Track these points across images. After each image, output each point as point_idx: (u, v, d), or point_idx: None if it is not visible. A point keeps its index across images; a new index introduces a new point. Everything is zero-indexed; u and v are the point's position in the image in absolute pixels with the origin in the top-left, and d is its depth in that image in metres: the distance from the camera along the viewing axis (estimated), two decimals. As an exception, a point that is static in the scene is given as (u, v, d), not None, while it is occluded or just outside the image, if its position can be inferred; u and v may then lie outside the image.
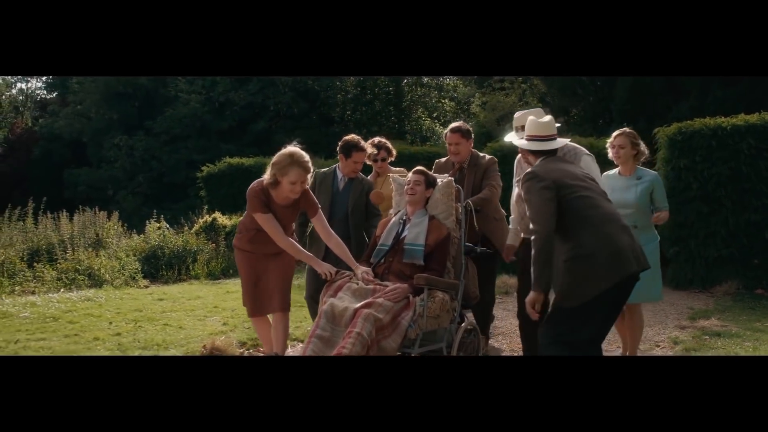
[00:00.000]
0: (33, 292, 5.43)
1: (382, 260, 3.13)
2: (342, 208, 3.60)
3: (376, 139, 3.92)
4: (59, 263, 6.07)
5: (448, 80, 19.00)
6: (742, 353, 3.52)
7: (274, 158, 3.01)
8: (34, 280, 5.66)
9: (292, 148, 3.02)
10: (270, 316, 3.21)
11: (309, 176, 3.03)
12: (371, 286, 2.90)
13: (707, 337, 3.97)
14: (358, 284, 2.92)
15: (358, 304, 2.74)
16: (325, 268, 3.01)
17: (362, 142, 3.65)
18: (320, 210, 3.18)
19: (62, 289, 5.65)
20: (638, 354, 3.51)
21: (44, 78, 27.21)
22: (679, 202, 6.15)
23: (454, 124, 3.76)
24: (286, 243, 3.02)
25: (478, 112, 15.04)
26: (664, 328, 4.38)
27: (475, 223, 3.30)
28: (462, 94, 18.63)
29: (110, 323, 4.40)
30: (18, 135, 20.56)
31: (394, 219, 3.30)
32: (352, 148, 3.59)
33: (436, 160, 3.91)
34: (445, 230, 3.17)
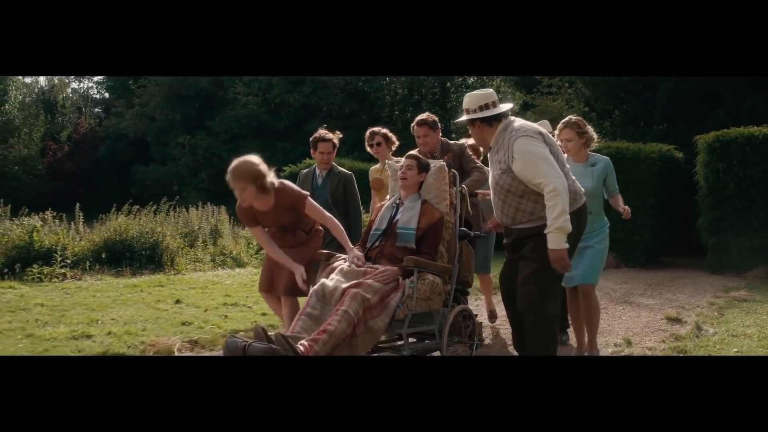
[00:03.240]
0: (199, 270, 7.16)
1: (376, 244, 3.22)
2: (322, 200, 3.79)
3: (376, 129, 4.13)
4: (207, 248, 7.82)
5: (489, 79, 20.32)
6: (761, 310, 4.99)
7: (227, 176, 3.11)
8: (195, 261, 7.39)
9: (236, 162, 3.07)
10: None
11: (251, 181, 3.05)
12: (363, 269, 3.01)
13: (736, 301, 5.44)
14: (350, 267, 3.03)
15: (347, 284, 2.86)
16: (300, 271, 3.13)
17: (328, 135, 3.92)
18: (308, 199, 3.25)
19: (218, 268, 7.38)
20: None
21: (96, 78, 29.48)
22: (717, 199, 7.55)
23: (420, 117, 3.86)
24: (274, 253, 3.23)
25: (517, 110, 16.53)
26: (703, 297, 5.85)
27: (469, 208, 3.38)
28: (504, 94, 19.97)
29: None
30: (82, 135, 22.67)
31: (387, 203, 3.37)
32: (316, 141, 3.91)
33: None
34: (438, 214, 3.22)
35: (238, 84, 19.26)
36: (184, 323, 4.17)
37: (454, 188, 3.34)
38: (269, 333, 2.61)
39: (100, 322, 4.09)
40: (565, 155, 3.33)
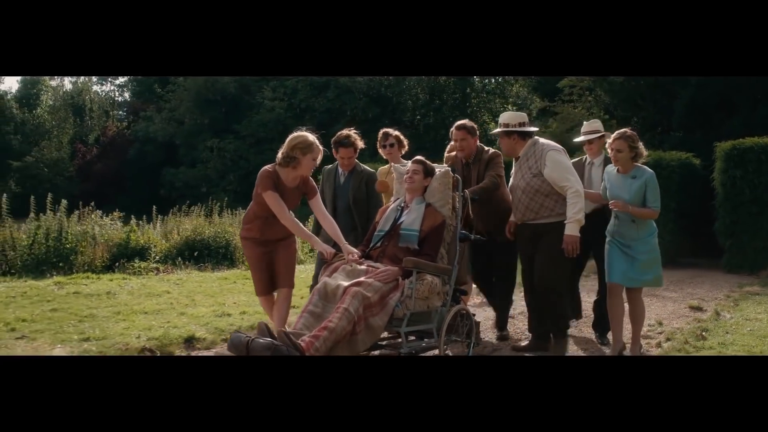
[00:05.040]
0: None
1: (378, 244, 3.39)
2: (344, 200, 3.90)
3: (390, 130, 4.20)
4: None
5: (508, 84, 21.16)
6: (772, 301, 5.89)
7: (296, 139, 3.34)
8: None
9: (307, 132, 3.40)
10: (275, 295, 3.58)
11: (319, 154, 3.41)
12: (364, 267, 3.17)
13: (750, 295, 6.33)
14: (352, 266, 3.19)
15: (349, 283, 3.00)
16: (323, 248, 3.34)
17: (350, 138, 3.85)
18: (318, 193, 3.54)
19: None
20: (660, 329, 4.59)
21: (117, 82, 30.58)
22: (733, 204, 8.37)
23: (459, 122, 4.06)
24: (290, 220, 3.33)
25: (535, 114, 17.55)
26: (720, 292, 6.74)
27: (470, 212, 3.63)
28: (523, 99, 20.82)
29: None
30: (111, 138, 23.73)
31: (392, 206, 3.57)
32: (337, 144, 3.91)
33: (446, 155, 4.22)
34: (440, 217, 3.42)
35: (265, 88, 20.25)
36: (291, 306, 5.11)
37: (457, 192, 3.57)
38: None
39: (225, 304, 5.05)
40: (611, 166, 3.78)
